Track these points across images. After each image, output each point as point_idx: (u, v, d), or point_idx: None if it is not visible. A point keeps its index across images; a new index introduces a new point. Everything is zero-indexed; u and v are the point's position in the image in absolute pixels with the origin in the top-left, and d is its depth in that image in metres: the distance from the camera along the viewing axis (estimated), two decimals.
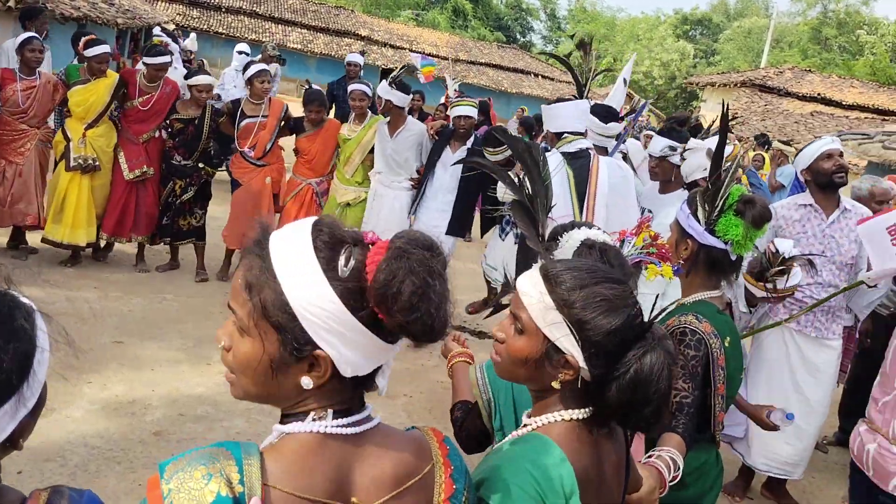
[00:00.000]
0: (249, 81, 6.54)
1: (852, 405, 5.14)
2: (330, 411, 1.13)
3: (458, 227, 6.21)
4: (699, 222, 2.30)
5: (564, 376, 1.39)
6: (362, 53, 9.99)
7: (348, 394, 1.16)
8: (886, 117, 19.29)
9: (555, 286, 1.40)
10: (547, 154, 4.58)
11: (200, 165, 6.53)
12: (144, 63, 6.41)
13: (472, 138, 6.17)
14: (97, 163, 6.20)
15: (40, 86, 6.05)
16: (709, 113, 21.78)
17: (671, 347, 1.40)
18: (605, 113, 4.38)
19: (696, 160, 4.15)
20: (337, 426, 1.12)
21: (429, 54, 30.19)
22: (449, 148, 6.15)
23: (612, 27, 47.96)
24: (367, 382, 1.18)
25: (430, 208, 6.16)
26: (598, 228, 2.07)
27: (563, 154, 4.24)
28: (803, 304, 4.17)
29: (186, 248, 6.89)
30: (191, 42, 13.70)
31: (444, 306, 1.11)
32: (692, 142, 4.26)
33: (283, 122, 6.57)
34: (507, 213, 5.99)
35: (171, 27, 20.92)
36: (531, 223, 2.03)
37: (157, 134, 6.46)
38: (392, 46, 29.85)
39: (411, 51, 28.92)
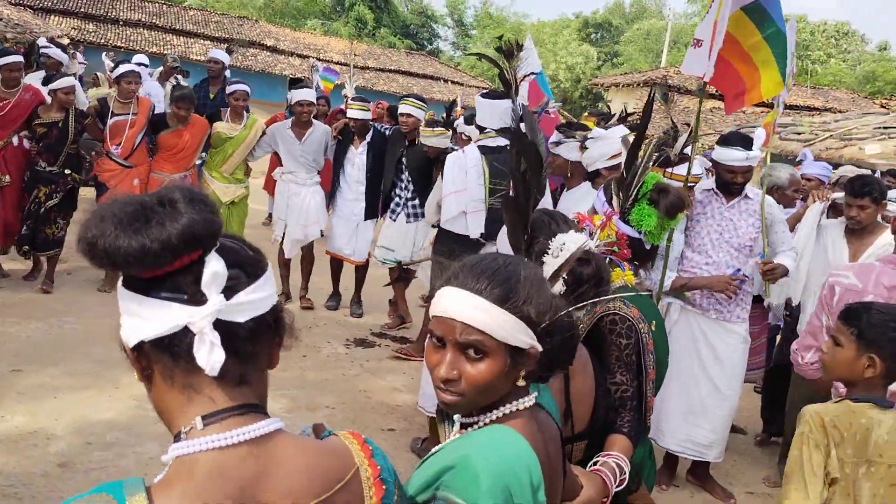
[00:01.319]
0: (117, 81, 6.58)
1: (774, 400, 5.26)
2: (197, 419, 1.02)
3: (372, 211, 6.97)
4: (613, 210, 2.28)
5: (528, 368, 1.37)
6: (229, 52, 9.92)
7: (185, 380, 1.04)
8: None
9: (493, 292, 1.32)
10: (466, 148, 4.76)
11: (67, 172, 6.36)
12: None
13: (370, 133, 6.81)
14: None
15: None
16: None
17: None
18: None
19: (597, 150, 4.16)
20: (222, 438, 1.00)
21: (337, 62, 29.97)
22: (352, 145, 6.83)
23: (519, 32, 48.62)
24: (188, 359, 1.03)
25: (348, 199, 6.88)
26: (578, 230, 1.91)
27: (482, 147, 4.60)
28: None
29: (85, 267, 6.55)
30: (107, 61, 13.21)
31: (134, 226, 0.97)
32: (595, 131, 4.28)
33: (150, 121, 6.66)
34: (396, 196, 6.67)
35: (66, 41, 20.06)
36: (520, 217, 1.86)
37: (14, 140, 6.24)
38: (299, 56, 29.42)
39: (318, 59, 28.64)
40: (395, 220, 6.66)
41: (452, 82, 32.46)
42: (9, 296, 6.12)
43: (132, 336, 1.03)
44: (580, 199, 4.27)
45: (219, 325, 1.02)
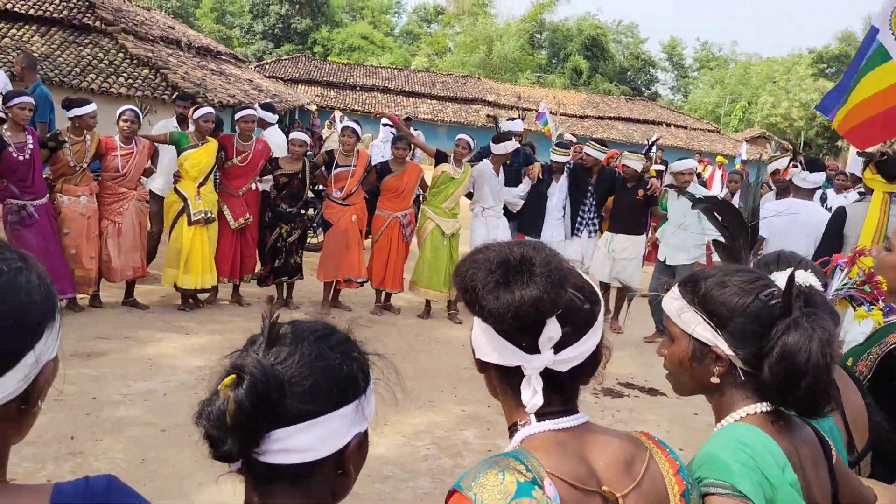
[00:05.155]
0: (341, 133, 7.57)
1: None
2: (532, 416, 1.24)
3: (573, 230, 8.17)
4: None
5: (719, 369, 1.45)
6: (522, 119, 10.85)
7: (516, 400, 1.27)
8: None
9: (687, 288, 1.51)
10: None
11: (302, 211, 7.39)
12: (237, 120, 7.20)
13: (564, 172, 8.06)
14: (212, 215, 6.89)
15: (137, 152, 6.69)
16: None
17: (827, 323, 1.41)
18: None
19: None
20: (555, 424, 1.23)
21: (555, 113, 30.39)
22: (554, 181, 8.01)
23: (745, 72, 46.59)
24: (517, 388, 1.27)
25: (547, 226, 7.99)
26: (808, 269, 1.89)
27: None
28: None
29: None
30: (339, 117, 14.65)
31: (498, 286, 1.21)
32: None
33: (367, 171, 7.54)
34: (579, 217, 8.04)
35: (313, 108, 22.13)
36: (734, 261, 2.02)
37: (253, 186, 7.27)
38: (519, 109, 30.21)
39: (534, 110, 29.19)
40: (579, 237, 8.08)
41: (675, 126, 31.63)
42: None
43: (480, 353, 1.29)
44: None
45: (545, 371, 1.24)
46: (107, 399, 4.90)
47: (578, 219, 8.06)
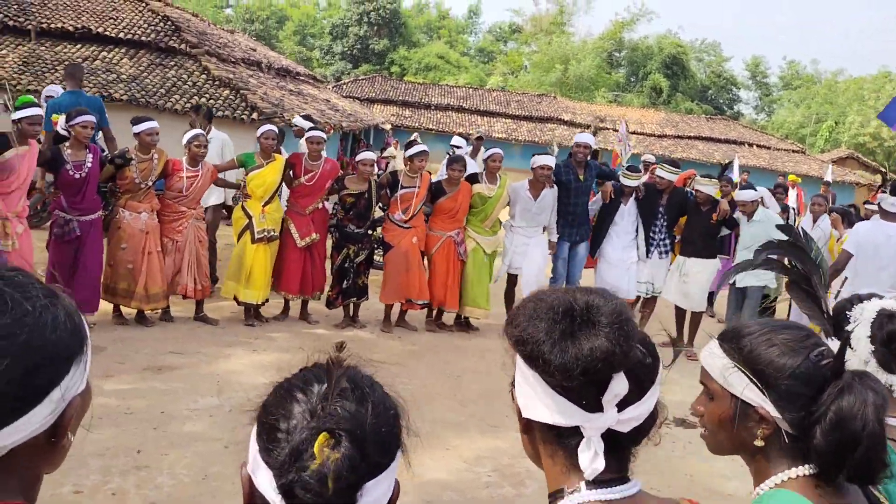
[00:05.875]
0: (410, 159, 7.41)
1: None
2: (581, 484, 1.14)
3: (647, 251, 8.03)
4: None
5: (763, 431, 1.38)
6: (594, 134, 10.47)
7: (568, 462, 1.17)
8: None
9: (730, 345, 1.43)
10: None
11: (370, 232, 7.38)
12: (308, 140, 7.31)
13: (633, 193, 7.93)
14: (275, 233, 7.04)
15: (202, 175, 6.83)
16: None
17: (879, 386, 1.33)
18: None
19: None
20: (604, 494, 1.13)
21: (633, 132, 29.94)
22: (622, 204, 7.91)
23: (833, 89, 44.98)
24: (572, 451, 1.16)
25: (617, 247, 7.90)
26: (881, 296, 1.94)
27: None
28: None
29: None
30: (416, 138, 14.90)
31: (562, 340, 1.11)
32: None
33: (429, 192, 7.48)
34: (654, 238, 7.91)
35: (388, 126, 22.43)
36: (814, 302, 1.93)
37: (320, 205, 7.35)
38: (596, 128, 29.89)
39: (614, 130, 28.80)
40: (650, 258, 7.94)
41: (758, 146, 30.72)
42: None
43: (530, 412, 1.17)
44: None
45: (605, 431, 1.14)
46: (175, 414, 4.98)
47: (649, 240, 7.97)
